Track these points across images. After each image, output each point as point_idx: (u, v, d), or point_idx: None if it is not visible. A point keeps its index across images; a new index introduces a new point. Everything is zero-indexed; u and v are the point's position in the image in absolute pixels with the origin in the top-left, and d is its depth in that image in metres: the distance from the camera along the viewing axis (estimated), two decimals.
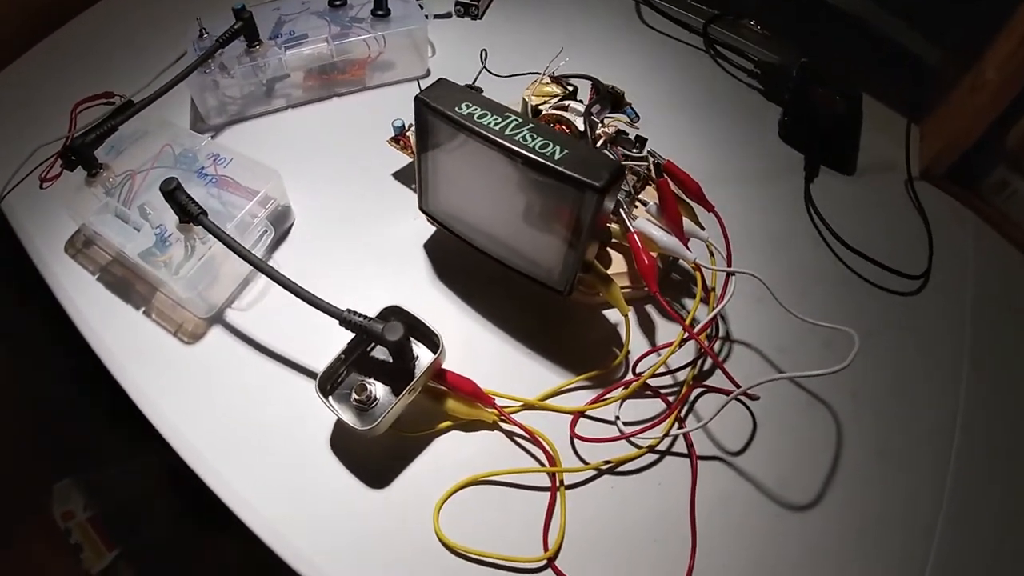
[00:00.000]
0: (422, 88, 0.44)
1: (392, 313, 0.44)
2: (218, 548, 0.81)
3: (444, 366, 0.45)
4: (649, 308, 0.52)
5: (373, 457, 0.44)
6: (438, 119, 0.42)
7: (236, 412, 0.46)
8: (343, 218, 0.55)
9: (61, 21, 0.70)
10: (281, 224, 0.53)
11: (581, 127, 0.47)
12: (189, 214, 0.46)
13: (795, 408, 0.49)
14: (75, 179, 0.53)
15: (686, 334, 0.45)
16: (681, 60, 0.71)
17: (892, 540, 0.44)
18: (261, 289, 0.51)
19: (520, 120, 0.41)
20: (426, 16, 0.61)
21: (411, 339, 0.44)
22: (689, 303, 0.51)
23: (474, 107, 0.42)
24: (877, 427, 0.49)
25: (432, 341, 0.43)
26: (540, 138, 0.40)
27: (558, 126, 0.48)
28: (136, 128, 0.55)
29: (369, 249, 0.53)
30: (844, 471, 0.47)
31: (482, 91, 0.54)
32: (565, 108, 0.49)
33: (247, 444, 0.45)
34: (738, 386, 0.44)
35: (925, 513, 0.46)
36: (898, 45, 0.69)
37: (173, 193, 0.46)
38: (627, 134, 0.53)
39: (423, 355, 0.44)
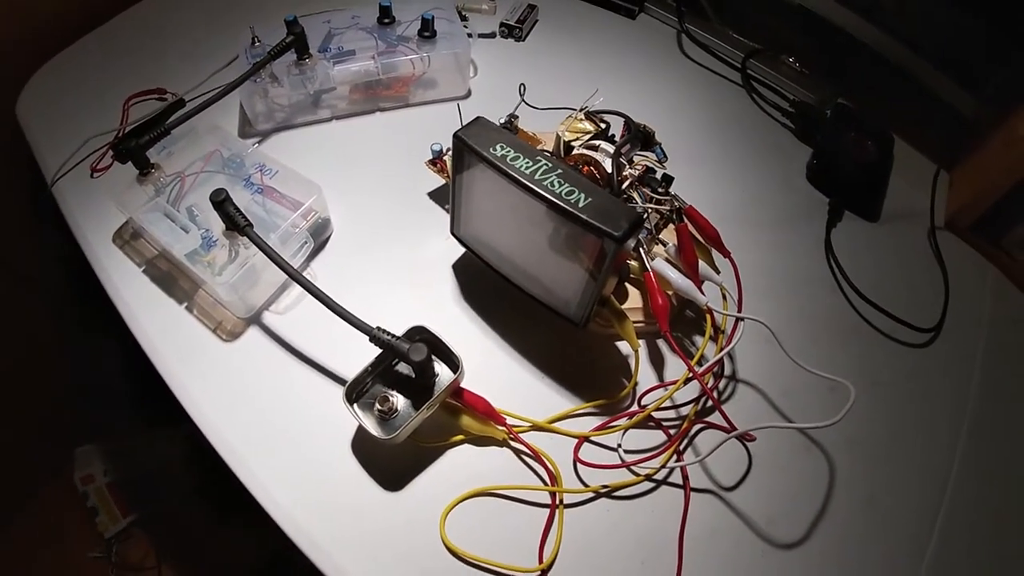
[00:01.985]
0: (461, 116, 0.51)
1: (417, 332, 0.50)
2: (229, 529, 0.89)
3: (461, 384, 0.51)
4: (660, 343, 0.57)
5: (390, 462, 0.51)
6: (473, 157, 0.48)
7: (266, 408, 0.53)
8: (378, 233, 0.62)
9: (116, 10, 0.77)
10: (320, 235, 0.60)
11: (609, 168, 0.53)
12: (236, 225, 0.53)
13: (791, 450, 0.54)
14: (125, 173, 0.60)
15: (690, 374, 0.50)
16: (717, 93, 0.76)
17: None
18: (298, 295, 0.58)
19: (550, 165, 0.47)
20: (470, 35, 0.67)
21: (433, 358, 0.50)
22: (699, 341, 0.57)
23: (507, 149, 0.48)
24: (870, 477, 0.54)
25: (453, 362, 0.50)
26: (567, 185, 0.46)
27: (586, 168, 0.54)
28: (186, 129, 0.62)
29: (401, 264, 0.60)
30: (831, 517, 0.52)
31: (517, 129, 0.60)
32: (595, 148, 0.55)
33: (273, 438, 0.51)
34: (735, 428, 0.50)
35: (905, 569, 0.50)
36: (934, 93, 0.73)
37: (222, 204, 0.53)
38: (655, 172, 0.58)
39: (443, 373, 0.50)
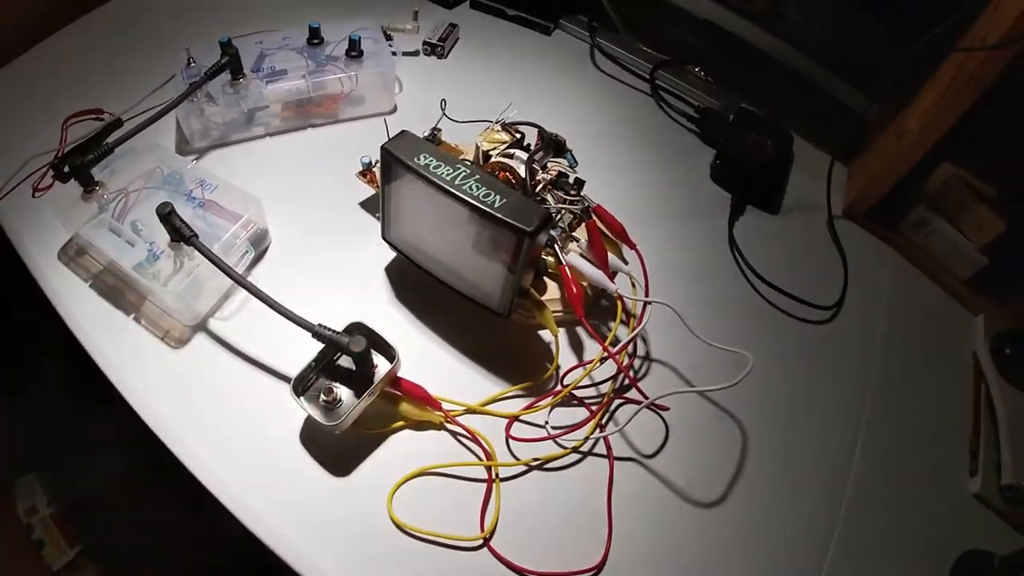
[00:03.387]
0: (388, 130, 0.59)
1: (356, 328, 0.58)
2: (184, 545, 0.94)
3: (399, 374, 0.60)
4: (579, 330, 0.67)
5: (336, 450, 0.59)
6: (400, 167, 0.58)
7: (217, 409, 0.60)
8: (314, 241, 0.70)
9: (52, 29, 0.83)
10: (259, 245, 0.68)
11: (523, 174, 0.63)
12: (182, 236, 0.60)
13: (704, 420, 0.65)
14: (69, 191, 0.66)
15: (605, 353, 0.60)
16: (626, 103, 0.87)
17: (787, 543, 0.60)
18: (241, 301, 0.66)
19: (468, 172, 0.56)
20: (394, 53, 0.76)
21: (372, 351, 0.59)
22: (614, 326, 0.67)
23: (430, 158, 0.57)
24: (782, 441, 0.65)
25: (389, 353, 0.58)
26: (484, 188, 0.55)
27: (502, 173, 0.63)
28: (125, 148, 0.69)
29: (336, 270, 0.68)
30: (747, 477, 0.62)
31: (440, 141, 0.69)
32: (511, 156, 0.64)
33: (226, 436, 0.59)
34: (647, 397, 0.60)
35: (821, 522, 0.61)
36: (830, 95, 0.86)
37: (168, 216, 0.60)
38: (567, 177, 0.68)
39: (381, 364, 0.59)
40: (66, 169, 0.66)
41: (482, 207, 0.54)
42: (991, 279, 0.79)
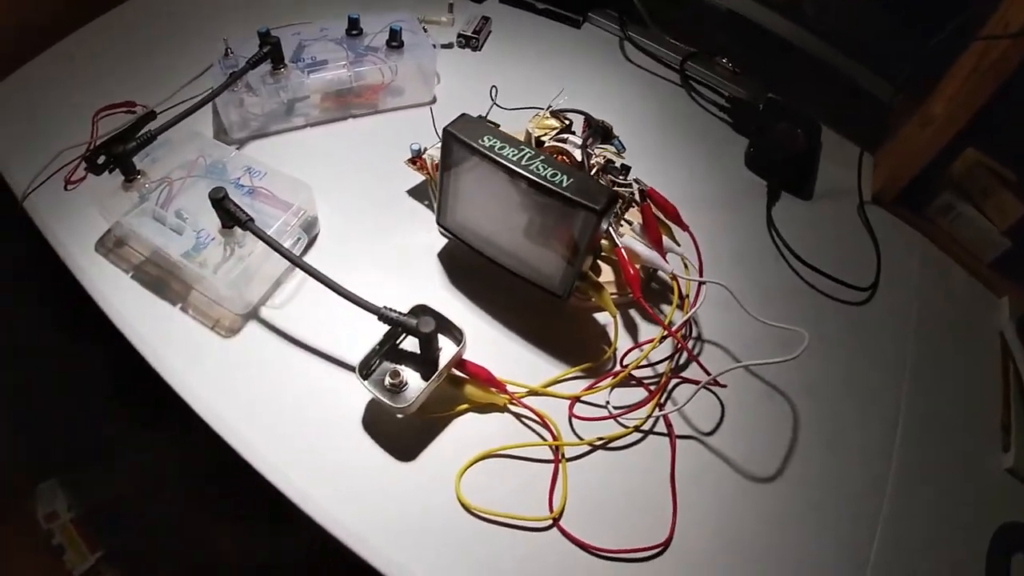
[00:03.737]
0: (434, 119, 0.61)
1: (421, 310, 0.59)
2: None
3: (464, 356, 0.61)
4: (632, 313, 0.69)
5: (399, 436, 0.59)
6: (464, 149, 0.59)
7: (274, 397, 0.60)
8: (364, 229, 0.71)
9: (81, 23, 0.83)
10: (309, 232, 0.68)
11: (579, 157, 0.64)
12: (238, 220, 0.60)
13: (757, 399, 0.67)
14: (105, 183, 0.66)
15: (665, 332, 0.62)
16: (659, 94, 0.90)
17: (840, 516, 0.61)
18: (293, 289, 0.66)
19: (533, 153, 0.58)
20: (433, 46, 0.78)
21: (438, 335, 0.59)
22: (667, 308, 0.69)
23: (495, 140, 0.58)
24: (829, 419, 0.67)
25: (455, 334, 0.59)
26: (550, 168, 0.57)
27: (560, 157, 0.65)
28: (164, 138, 0.69)
29: (388, 257, 0.69)
30: (799, 453, 0.64)
31: (499, 125, 0.71)
32: (564, 140, 0.66)
33: (284, 425, 0.59)
34: (708, 374, 0.61)
35: (869, 497, 0.63)
36: (855, 83, 0.90)
37: (222, 201, 0.60)
38: (614, 163, 0.70)
39: (446, 347, 0.60)
40: (100, 160, 0.66)
41: (551, 187, 0.56)
42: (1015, 262, 0.83)
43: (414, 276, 0.68)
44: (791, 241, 0.77)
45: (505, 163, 0.57)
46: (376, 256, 0.69)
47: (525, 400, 0.61)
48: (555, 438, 0.60)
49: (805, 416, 0.67)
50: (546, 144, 0.66)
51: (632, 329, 0.68)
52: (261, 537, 1.01)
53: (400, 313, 0.58)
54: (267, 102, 0.73)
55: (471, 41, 0.87)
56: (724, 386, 0.64)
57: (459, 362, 0.60)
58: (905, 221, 0.84)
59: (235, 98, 0.72)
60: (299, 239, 0.65)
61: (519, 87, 0.81)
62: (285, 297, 0.66)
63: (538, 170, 0.57)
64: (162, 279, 0.66)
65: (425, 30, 0.80)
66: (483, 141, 0.58)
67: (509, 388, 0.61)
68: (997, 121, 0.79)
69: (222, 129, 0.75)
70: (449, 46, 0.87)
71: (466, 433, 0.60)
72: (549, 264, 0.62)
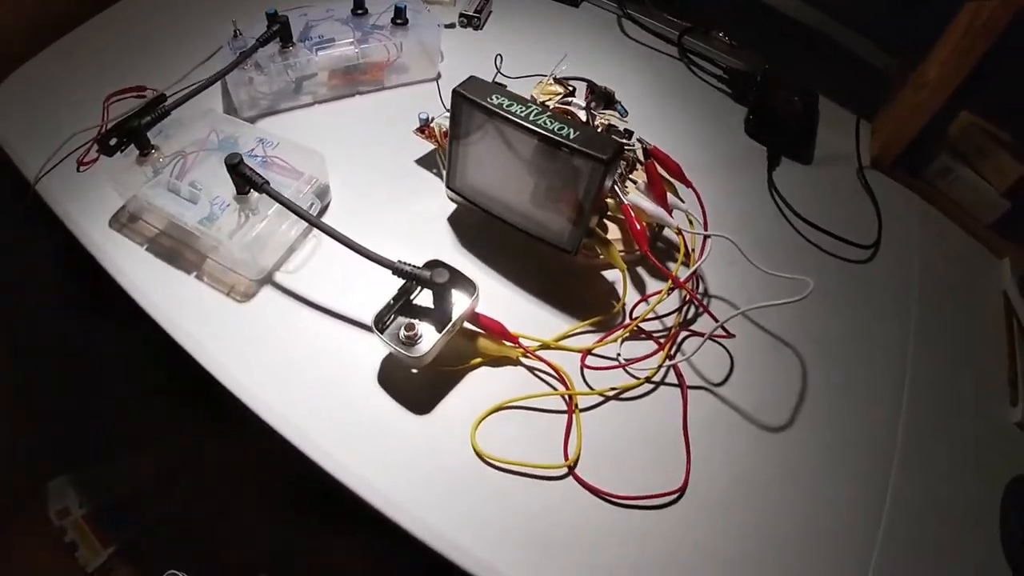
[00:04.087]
0: (440, 93, 0.63)
1: (434, 264, 0.61)
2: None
3: (477, 310, 0.63)
4: (640, 270, 0.71)
5: (415, 390, 0.61)
6: (474, 108, 0.61)
7: (289, 358, 0.62)
8: (374, 196, 0.73)
9: (91, 13, 0.86)
10: (321, 200, 0.70)
11: (584, 118, 0.67)
12: (254, 184, 0.63)
13: (765, 350, 0.69)
14: (118, 161, 0.68)
15: (672, 284, 0.64)
16: (658, 67, 0.93)
17: (850, 466, 0.63)
18: (307, 255, 0.68)
19: (540, 109, 0.60)
20: (438, 25, 0.81)
21: (451, 288, 0.61)
22: (673, 265, 0.71)
23: (503, 98, 0.61)
24: (838, 370, 0.69)
25: (468, 287, 0.61)
26: (557, 123, 0.59)
27: (567, 117, 0.68)
28: (177, 115, 0.72)
29: (399, 222, 0.71)
30: (810, 402, 0.66)
31: (505, 87, 0.74)
32: (568, 104, 0.69)
33: (300, 384, 0.61)
34: (716, 319, 0.63)
35: (882, 439, 0.65)
36: (853, 53, 0.93)
37: (237, 167, 0.63)
38: (618, 127, 0.73)
39: (459, 301, 0.62)
40: (112, 142, 0.69)
41: (559, 139, 0.58)
42: (1015, 222, 0.85)
43: (425, 240, 0.70)
44: (793, 202, 0.80)
45: (514, 119, 0.60)
46: (387, 223, 0.71)
47: (538, 353, 0.64)
48: (568, 389, 0.62)
49: (813, 367, 0.69)
50: (552, 106, 0.69)
51: (640, 285, 0.70)
52: (274, 529, 1.02)
53: (415, 267, 0.60)
54: (275, 80, 0.76)
55: (472, 20, 0.90)
56: (732, 335, 0.66)
57: (472, 316, 0.62)
58: (904, 184, 0.87)
59: (244, 77, 0.75)
60: (312, 204, 0.68)
61: (521, 63, 0.84)
62: (299, 263, 0.68)
63: (546, 124, 0.59)
64: (176, 250, 0.68)
65: (428, 10, 0.83)
66: (492, 99, 0.61)
67: (522, 342, 0.63)
68: (991, 83, 0.81)
69: (232, 108, 0.77)
70: (452, 26, 0.90)
71: (480, 386, 0.62)
72: (557, 220, 0.64)
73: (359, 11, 0.80)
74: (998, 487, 0.66)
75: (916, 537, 0.61)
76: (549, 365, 0.62)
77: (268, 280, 0.66)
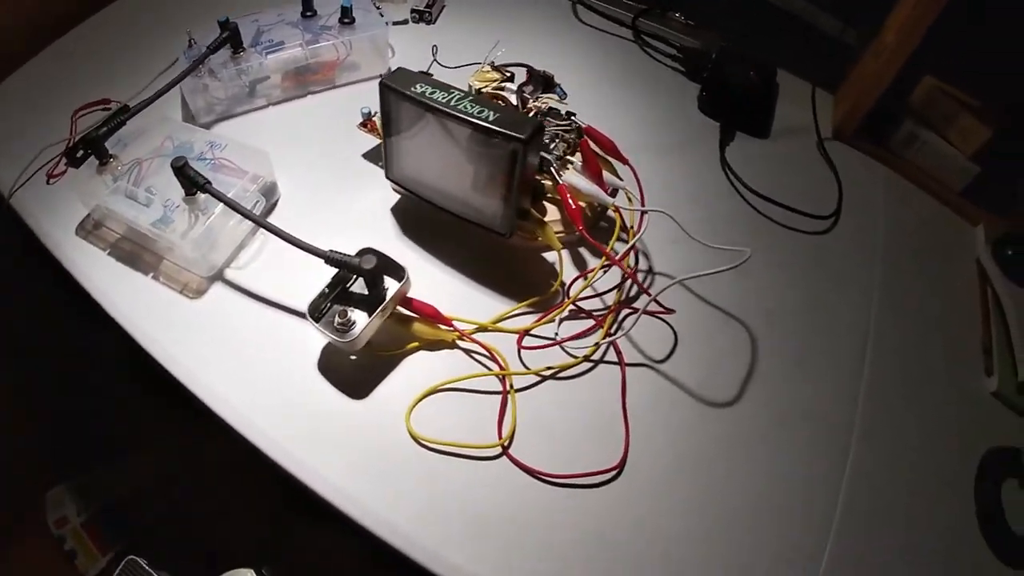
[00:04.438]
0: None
1: (366, 251, 0.63)
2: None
3: (410, 295, 0.65)
4: (582, 251, 0.72)
5: (353, 376, 0.63)
6: (398, 98, 0.63)
7: (237, 350, 0.65)
8: (321, 192, 0.76)
9: (60, 32, 0.91)
10: (269, 198, 0.73)
11: (515, 101, 0.68)
12: (197, 184, 0.66)
13: (713, 326, 0.69)
14: (83, 172, 0.73)
15: (607, 260, 0.65)
16: (611, 51, 0.94)
17: (808, 437, 0.63)
18: (255, 251, 0.71)
19: (463, 95, 0.62)
20: (386, 23, 0.84)
21: (382, 274, 0.63)
22: (618, 247, 0.72)
23: (426, 87, 0.63)
24: (793, 343, 0.69)
25: (399, 272, 0.63)
26: (478, 107, 0.61)
27: (496, 101, 0.69)
28: (138, 125, 0.76)
29: (344, 215, 0.74)
30: (761, 376, 0.66)
31: (432, 75, 0.76)
32: (502, 89, 0.70)
33: (247, 373, 0.63)
34: (649, 295, 0.64)
35: (840, 418, 0.65)
36: (812, 26, 0.92)
37: (183, 168, 0.66)
38: (559, 110, 0.74)
39: (392, 286, 0.64)
40: (79, 154, 0.73)
41: (478, 122, 0.60)
42: (984, 187, 0.83)
43: (369, 232, 0.73)
44: (747, 178, 0.80)
45: (435, 106, 0.61)
46: (333, 216, 0.74)
47: (474, 336, 0.65)
48: (502, 369, 0.63)
49: (766, 341, 0.68)
50: (483, 93, 0.71)
51: (580, 265, 0.71)
52: (273, 527, 1.04)
53: (345, 255, 0.62)
54: (229, 85, 0.80)
55: (424, 15, 0.92)
56: (671, 311, 0.67)
57: (405, 300, 0.64)
58: (868, 155, 0.85)
59: (199, 84, 0.78)
60: (257, 202, 0.71)
61: (473, 53, 0.85)
62: (248, 258, 0.71)
63: (466, 108, 0.61)
64: (135, 253, 0.71)
65: (378, 8, 0.85)
66: (415, 88, 0.63)
67: (458, 325, 0.65)
68: (952, 45, 0.80)
69: (191, 115, 0.81)
70: (404, 22, 0.93)
71: (418, 370, 0.64)
72: (490, 203, 0.65)
73: (308, 13, 0.83)
74: (972, 458, 0.65)
75: (880, 509, 0.61)
76: (483, 347, 0.64)
77: (219, 277, 0.69)
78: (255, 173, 0.71)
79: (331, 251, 0.62)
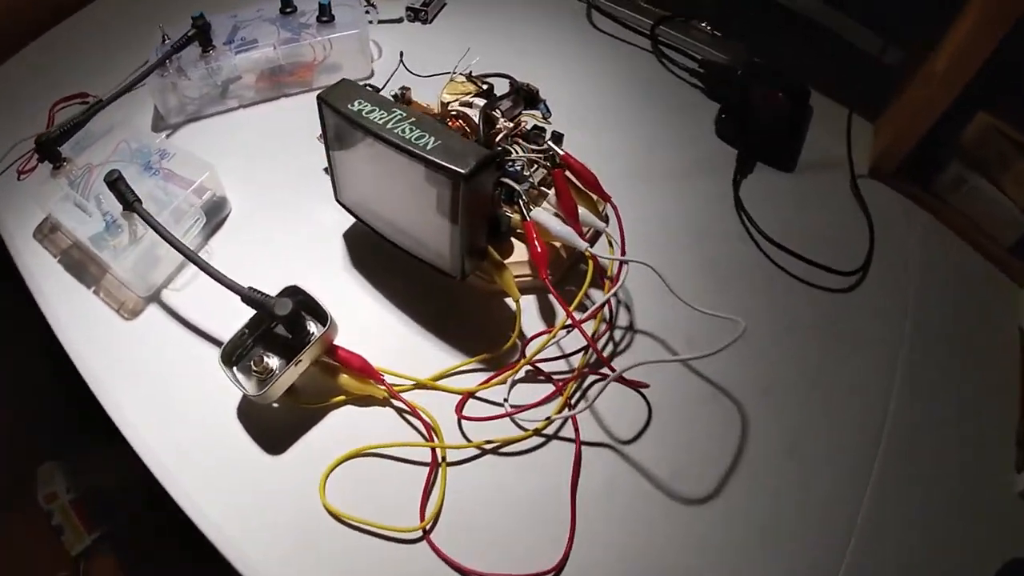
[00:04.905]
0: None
1: (290, 292, 0.49)
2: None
3: (342, 344, 0.50)
4: (551, 297, 0.55)
5: (273, 424, 0.50)
6: (333, 115, 0.48)
7: (161, 380, 0.53)
8: (274, 210, 0.62)
9: (44, 28, 0.80)
10: (217, 213, 0.60)
11: (477, 120, 0.52)
12: (126, 201, 0.54)
13: (696, 401, 0.52)
14: (40, 172, 0.62)
15: (569, 320, 0.48)
16: (626, 62, 0.75)
17: (798, 547, 0.46)
18: (194, 272, 0.57)
19: (403, 115, 0.46)
20: (370, 21, 0.68)
21: (305, 316, 0.49)
22: (596, 295, 0.55)
23: (364, 104, 0.47)
24: (791, 430, 0.51)
25: (323, 318, 0.49)
26: (418, 131, 0.45)
27: (454, 122, 0.53)
28: (102, 126, 0.64)
29: (295, 236, 0.60)
30: (748, 468, 0.49)
31: (410, 100, 0.60)
32: (469, 105, 0.54)
33: (166, 405, 0.51)
34: (613, 370, 0.47)
35: (839, 520, 0.47)
36: (849, 44, 0.71)
37: (115, 183, 0.54)
38: (542, 131, 0.57)
39: (317, 331, 0.49)
40: (39, 143, 0.62)
41: (412, 149, 0.44)
42: None
43: (315, 259, 0.58)
44: (764, 219, 0.61)
45: (368, 126, 0.46)
46: (282, 238, 0.60)
47: (410, 395, 0.50)
48: (433, 436, 0.48)
49: (759, 424, 0.51)
50: (447, 108, 0.54)
51: (549, 317, 0.55)
52: None
53: (263, 295, 0.48)
54: (200, 85, 0.66)
55: (420, 14, 0.75)
56: (645, 385, 0.50)
57: (331, 349, 0.49)
58: (907, 196, 0.65)
59: (167, 83, 0.65)
60: (198, 219, 0.57)
61: (467, 59, 0.68)
62: (186, 280, 0.58)
63: (403, 132, 0.45)
64: (83, 263, 0.60)
65: (373, 5, 0.70)
66: (352, 106, 0.47)
67: (393, 380, 0.50)
68: (1013, 79, 0.58)
69: (161, 116, 0.68)
70: (398, 20, 0.77)
71: (342, 427, 0.50)
72: (438, 240, 0.50)
73: (287, 9, 0.68)
74: (989, 568, 0.46)
75: None
76: (413, 410, 0.49)
77: (156, 298, 0.57)
78: (202, 186, 0.58)
79: (250, 288, 0.48)
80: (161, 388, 0.52)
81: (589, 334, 0.50)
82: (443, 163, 0.43)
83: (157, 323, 0.56)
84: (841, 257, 0.60)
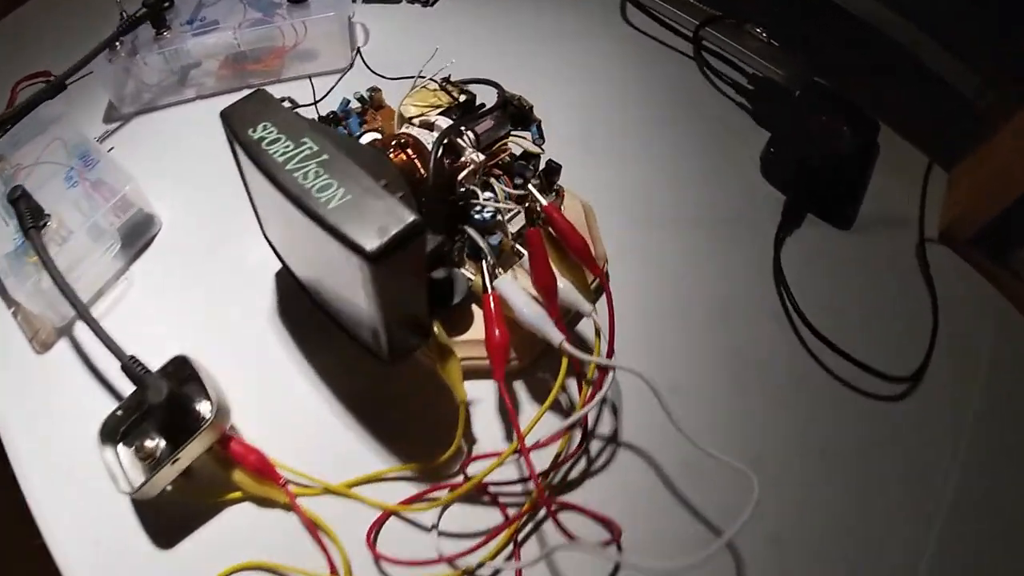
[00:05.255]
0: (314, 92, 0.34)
1: (176, 364, 0.34)
2: None
3: (246, 423, 0.35)
4: (518, 384, 0.38)
5: (166, 512, 0.35)
6: (234, 141, 0.32)
7: (60, 429, 0.39)
8: (211, 228, 0.46)
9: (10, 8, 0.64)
10: (143, 233, 0.45)
11: (431, 148, 0.34)
12: (23, 226, 0.40)
13: (683, 555, 0.34)
14: None
15: (517, 446, 0.31)
16: (661, 68, 0.54)
17: None
18: (115, 299, 0.43)
19: (315, 150, 0.29)
20: (354, 1, 0.50)
21: (191, 397, 0.34)
22: (572, 388, 0.38)
23: (270, 130, 0.30)
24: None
25: (211, 405, 0.33)
26: (326, 176, 0.28)
27: (398, 154, 0.35)
28: (49, 116, 0.49)
29: (224, 269, 0.44)
30: None
31: (381, 104, 0.43)
32: (431, 126, 0.36)
33: (61, 467, 0.37)
34: (571, 538, 0.30)
35: None
36: (936, 75, 0.49)
37: (16, 202, 0.40)
38: (537, 159, 0.39)
39: (207, 415, 0.34)
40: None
41: (309, 205, 0.27)
42: None
43: (240, 299, 0.42)
44: (807, 293, 0.41)
45: (265, 163, 0.29)
46: (204, 271, 0.44)
47: (321, 500, 0.35)
48: (334, 570, 0.33)
49: None
50: (400, 131, 0.37)
51: (520, 409, 0.38)
52: None
53: (146, 368, 0.34)
54: (154, 71, 0.50)
55: None
56: (617, 528, 0.33)
57: (223, 438, 0.34)
58: (981, 272, 0.44)
59: (119, 69, 0.49)
60: (112, 244, 0.42)
61: (467, 54, 0.48)
62: (104, 309, 0.43)
63: (306, 177, 0.28)
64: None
65: None
66: (253, 131, 0.30)
67: (296, 479, 0.35)
68: None
69: (113, 104, 0.53)
70: (396, 1, 0.57)
71: (237, 529, 0.35)
72: (365, 314, 0.33)
73: None
74: None
75: None
76: (310, 526, 0.34)
77: (69, 329, 0.43)
78: (126, 201, 0.43)
79: (131, 357, 0.34)
80: (61, 440, 0.38)
81: (556, 454, 0.33)
82: (345, 233, 0.26)
83: (65, 361, 0.41)
84: (895, 347, 0.40)
